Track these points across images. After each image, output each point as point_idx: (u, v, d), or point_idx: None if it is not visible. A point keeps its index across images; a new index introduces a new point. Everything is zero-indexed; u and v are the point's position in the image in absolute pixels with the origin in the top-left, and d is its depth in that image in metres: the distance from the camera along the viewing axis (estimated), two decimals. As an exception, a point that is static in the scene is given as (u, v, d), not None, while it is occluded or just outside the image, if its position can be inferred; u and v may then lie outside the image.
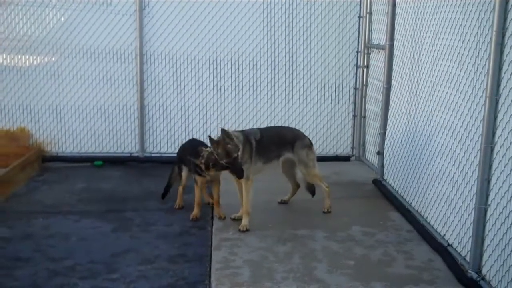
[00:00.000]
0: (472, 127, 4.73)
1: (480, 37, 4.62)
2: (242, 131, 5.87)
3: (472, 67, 4.75)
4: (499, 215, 4.28)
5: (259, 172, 5.93)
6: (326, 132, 8.17)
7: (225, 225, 5.73)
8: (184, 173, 6.24)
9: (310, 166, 6.08)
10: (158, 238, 5.50)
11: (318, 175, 6.16)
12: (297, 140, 6.08)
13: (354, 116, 8.24)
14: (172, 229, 5.73)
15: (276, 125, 7.77)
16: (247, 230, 5.59)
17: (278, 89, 8.14)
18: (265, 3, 7.93)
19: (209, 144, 5.59)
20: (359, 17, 7.97)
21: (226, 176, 6.39)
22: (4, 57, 7.90)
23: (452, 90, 5.15)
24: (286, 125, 7.71)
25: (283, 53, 8.06)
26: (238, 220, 5.79)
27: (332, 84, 8.17)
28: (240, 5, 7.86)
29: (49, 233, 5.59)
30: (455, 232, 4.98)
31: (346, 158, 8.30)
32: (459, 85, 5.01)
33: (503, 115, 4.23)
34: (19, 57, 7.93)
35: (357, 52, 8.05)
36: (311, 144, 6.17)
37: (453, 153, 5.11)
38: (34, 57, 7.94)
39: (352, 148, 8.35)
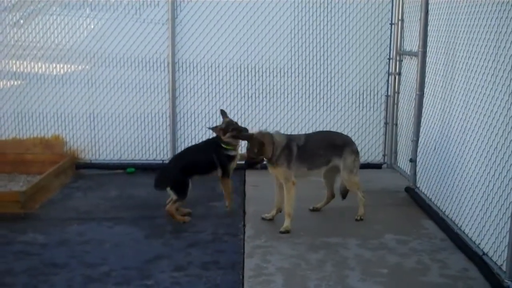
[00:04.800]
0: (508, 134, 4.66)
1: (516, 43, 4.57)
2: (287, 136, 5.97)
3: (508, 73, 4.68)
4: (536, 223, 4.22)
5: (304, 177, 6.07)
6: (358, 140, 8.07)
7: (257, 232, 5.73)
8: (190, 188, 6.15)
9: (354, 173, 6.10)
10: (191, 244, 5.53)
11: (358, 183, 6.16)
12: (346, 145, 6.12)
13: (386, 123, 8.19)
14: (204, 236, 5.75)
15: (308, 131, 7.73)
16: (286, 231, 5.68)
17: (309, 97, 8.14)
18: (296, 10, 7.94)
19: None
20: (391, 24, 7.92)
21: (255, 182, 6.45)
22: (39, 65, 8.04)
23: (487, 97, 5.09)
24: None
25: (314, 60, 8.06)
26: (269, 220, 5.96)
27: (364, 91, 8.14)
28: (271, 13, 7.89)
29: (84, 239, 5.67)
30: (491, 240, 4.90)
31: (377, 166, 8.25)
32: (494, 92, 4.94)
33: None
34: (54, 65, 8.07)
35: (389, 59, 8.01)
36: (358, 151, 6.22)
37: (488, 161, 5.04)
38: (68, 66, 8.07)
39: (384, 155, 8.29)
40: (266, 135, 5.78)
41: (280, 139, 5.82)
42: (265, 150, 5.70)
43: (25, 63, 8.04)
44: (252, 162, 5.84)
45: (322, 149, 6.03)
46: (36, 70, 8.06)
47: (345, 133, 7.75)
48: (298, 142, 5.87)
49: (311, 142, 5.96)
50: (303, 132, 7.70)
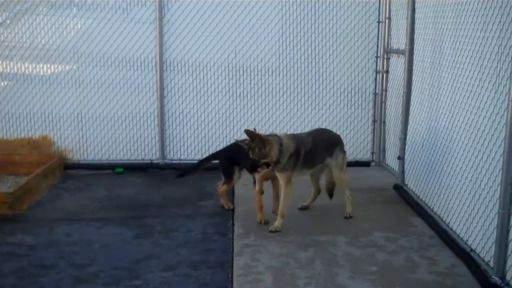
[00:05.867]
0: (494, 131, 4.69)
1: (502, 41, 4.59)
2: (297, 140, 5.79)
3: (494, 70, 4.71)
4: (523, 220, 4.25)
5: (303, 175, 6.05)
6: (346, 138, 8.08)
7: (247, 231, 5.73)
8: (236, 175, 6.37)
9: (343, 170, 6.15)
10: (180, 244, 5.52)
11: (347, 181, 6.19)
12: (338, 144, 6.18)
13: (374, 121, 8.22)
14: (193, 235, 5.75)
15: (297, 130, 7.74)
16: (276, 231, 5.65)
17: (297, 95, 8.15)
18: (284, 9, 7.95)
19: None
20: (378, 22, 7.95)
21: (243, 181, 6.46)
22: (26, 66, 8.00)
23: (473, 94, 5.11)
24: (306, 130, 7.71)
25: (302, 59, 8.07)
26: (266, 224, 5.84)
27: (352, 89, 8.16)
28: (258, 12, 7.89)
29: (72, 240, 5.64)
30: (478, 237, 4.93)
31: (366, 164, 8.27)
32: (481, 89, 4.97)
33: (527, 119, 4.19)
34: (41, 66, 8.03)
35: (377, 57, 8.03)
36: (344, 149, 6.29)
37: (475, 158, 5.07)
38: (55, 66, 8.03)
39: (372, 153, 8.32)
40: (272, 136, 5.62)
41: (289, 143, 5.67)
42: (269, 151, 5.48)
43: (11, 63, 7.99)
44: (255, 165, 5.56)
45: (323, 149, 6.04)
46: (23, 70, 8.02)
47: (334, 131, 7.80)
48: (306, 147, 5.77)
49: (315, 146, 5.88)
50: (293, 130, 7.76)
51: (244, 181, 6.49)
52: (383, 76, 7.98)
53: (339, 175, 6.12)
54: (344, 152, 6.22)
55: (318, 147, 5.95)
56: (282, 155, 5.57)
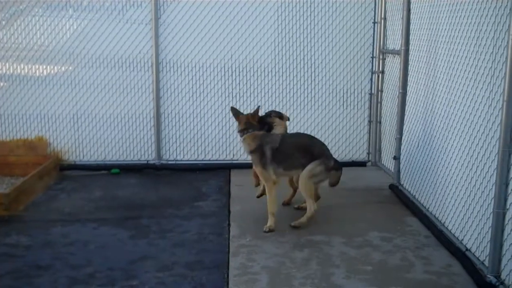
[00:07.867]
0: (489, 131, 4.71)
1: (496, 41, 4.61)
2: (262, 137, 5.88)
3: (489, 71, 4.73)
4: (518, 219, 4.26)
5: (282, 176, 6.02)
6: (342, 138, 8.15)
7: (242, 232, 5.74)
8: None
9: (310, 177, 5.79)
10: (176, 245, 5.52)
11: (310, 189, 5.86)
12: (321, 157, 5.83)
13: (370, 121, 8.23)
14: (189, 236, 5.74)
15: (293, 130, 7.70)
16: (270, 231, 5.67)
17: (293, 96, 8.15)
18: (279, 10, 7.95)
19: None
20: (374, 22, 7.96)
21: (239, 182, 6.46)
22: (22, 67, 7.98)
23: (468, 95, 5.13)
24: (303, 131, 7.71)
25: (298, 60, 8.08)
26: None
27: (348, 90, 8.17)
28: (254, 12, 7.90)
29: (68, 240, 5.64)
30: (473, 236, 4.95)
31: (362, 164, 8.28)
32: (475, 89, 4.99)
33: (521, 119, 4.21)
34: (37, 66, 8.01)
35: (372, 57, 8.04)
36: (326, 164, 5.84)
37: (470, 157, 5.09)
38: (51, 67, 8.02)
39: (368, 153, 8.33)
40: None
41: (255, 138, 5.84)
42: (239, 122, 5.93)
43: (7, 64, 7.98)
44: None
45: (300, 152, 5.83)
46: (19, 71, 8.00)
47: (330, 132, 7.81)
48: (273, 145, 5.78)
49: (287, 145, 5.83)
50: (289, 131, 7.71)
51: (239, 182, 6.49)
52: (378, 76, 8.00)
53: (304, 179, 5.79)
54: (326, 165, 5.81)
55: (291, 148, 5.83)
56: (246, 129, 5.85)
